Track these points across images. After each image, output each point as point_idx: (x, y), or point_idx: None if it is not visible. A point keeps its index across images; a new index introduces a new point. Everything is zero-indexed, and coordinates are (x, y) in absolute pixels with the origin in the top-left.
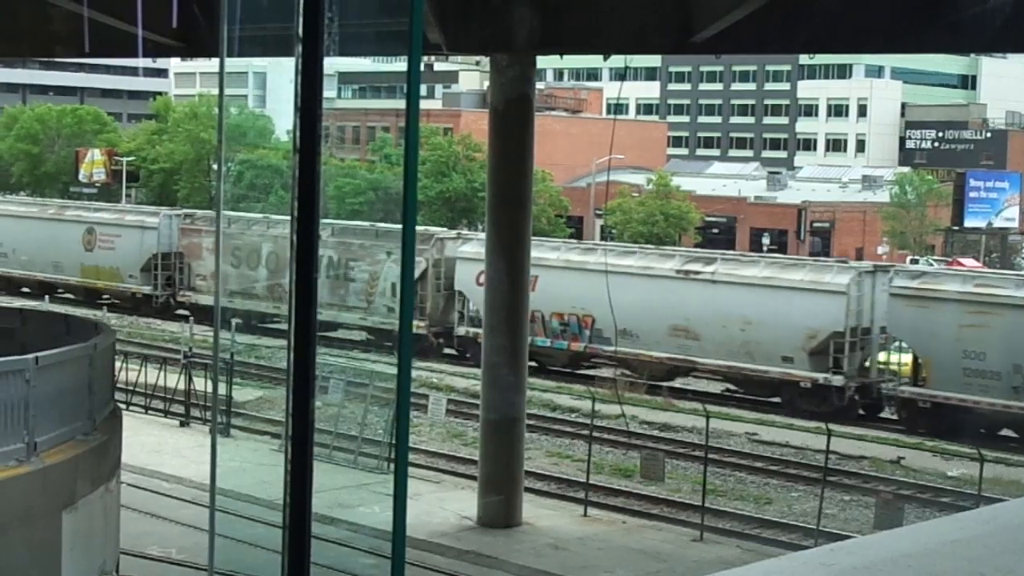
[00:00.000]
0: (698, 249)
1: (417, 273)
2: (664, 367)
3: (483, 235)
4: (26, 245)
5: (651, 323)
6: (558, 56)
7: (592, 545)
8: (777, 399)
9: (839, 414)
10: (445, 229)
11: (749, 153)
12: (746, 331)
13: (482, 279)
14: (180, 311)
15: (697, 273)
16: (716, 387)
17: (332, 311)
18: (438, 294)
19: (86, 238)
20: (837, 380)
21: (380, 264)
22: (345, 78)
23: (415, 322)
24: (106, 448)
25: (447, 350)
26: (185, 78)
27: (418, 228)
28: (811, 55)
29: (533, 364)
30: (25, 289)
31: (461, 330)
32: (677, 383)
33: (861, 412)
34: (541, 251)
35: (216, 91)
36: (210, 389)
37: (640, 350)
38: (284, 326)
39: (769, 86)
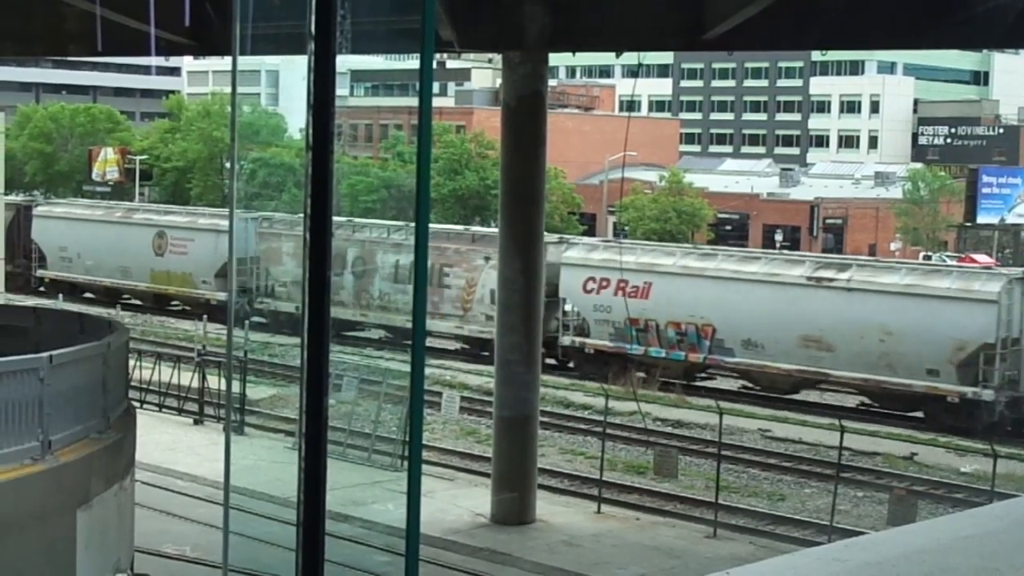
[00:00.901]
0: (827, 255)
1: None
2: (792, 379)
3: (588, 240)
4: (92, 249)
5: (779, 333)
6: (570, 53)
7: (606, 542)
8: (917, 414)
9: (987, 431)
10: (545, 233)
11: (761, 150)
12: (886, 342)
13: (589, 286)
14: (256, 318)
15: (830, 280)
16: (729, 383)
17: (402, 316)
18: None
19: (156, 242)
20: (987, 394)
21: (478, 270)
22: (357, 76)
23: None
24: (120, 446)
25: (547, 360)
26: (198, 76)
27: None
28: (823, 51)
29: (642, 375)
30: (89, 295)
31: (565, 339)
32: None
33: (1009, 428)
34: (655, 256)
35: (229, 89)
36: (224, 387)
37: (766, 361)
38: (374, 335)
39: (781, 82)
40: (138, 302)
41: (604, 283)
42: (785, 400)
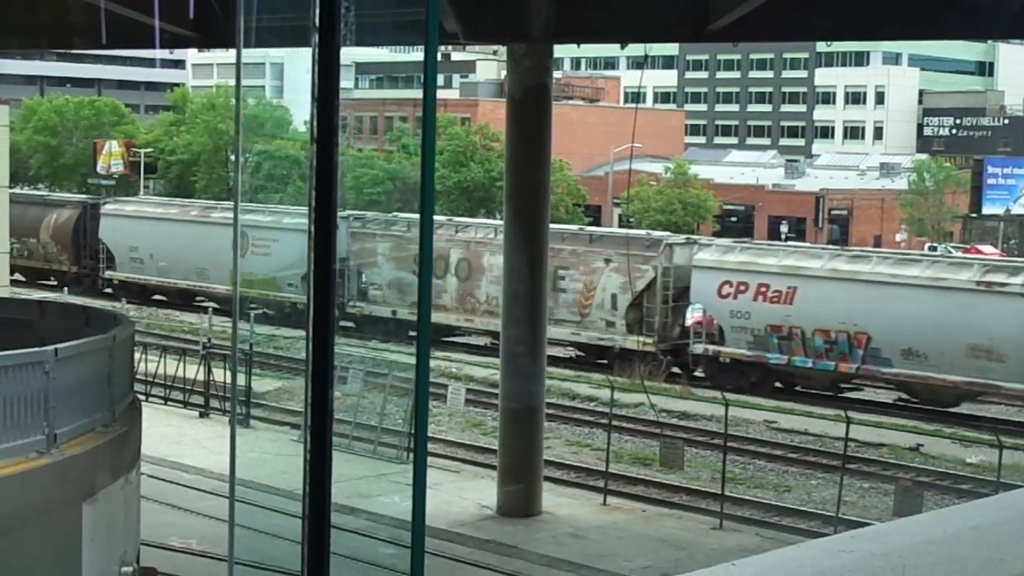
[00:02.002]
0: (997, 256)
1: (643, 284)
2: (957, 392)
3: (721, 241)
4: (165, 250)
5: (944, 342)
6: (575, 45)
7: (612, 534)
8: None
9: None
10: (670, 233)
11: (767, 141)
12: None
13: (725, 290)
14: (344, 323)
15: (1002, 284)
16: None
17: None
18: (666, 306)
19: (240, 242)
20: None
21: (597, 273)
22: (362, 68)
23: (641, 339)
24: (126, 439)
25: (675, 369)
26: (202, 69)
27: (641, 233)
28: (828, 43)
29: (778, 385)
30: (159, 297)
31: (697, 347)
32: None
33: None
34: (799, 259)
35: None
36: (230, 380)
37: (929, 372)
38: (479, 341)
39: (787, 74)
40: (214, 305)
41: (742, 287)
42: (788, 394)
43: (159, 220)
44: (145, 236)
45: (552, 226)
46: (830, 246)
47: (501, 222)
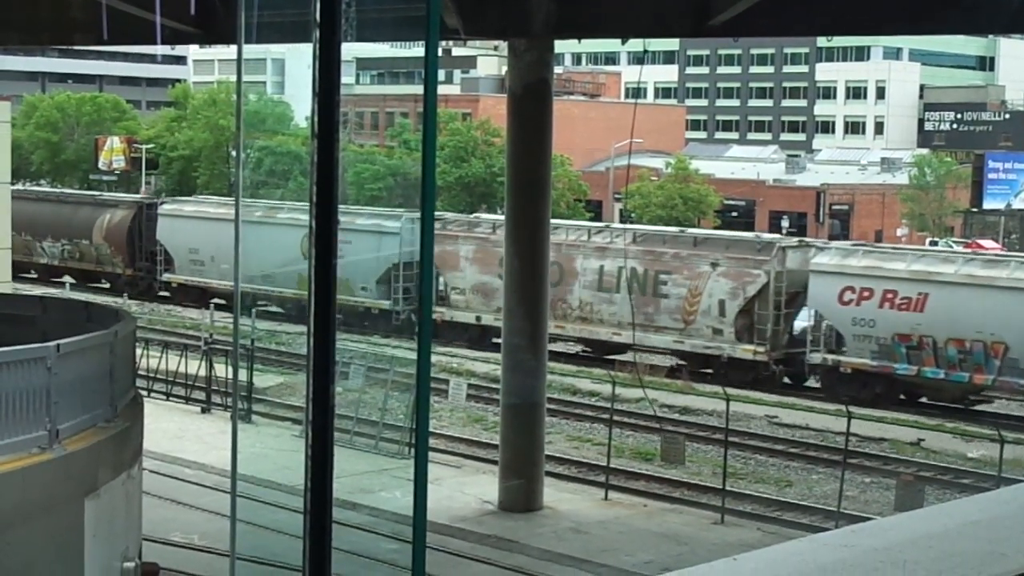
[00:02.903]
0: (1001, 251)
1: (754, 289)
2: None
3: (839, 244)
4: (228, 252)
5: None
6: (576, 40)
7: (613, 529)
8: None
9: None
10: (781, 236)
11: (768, 136)
12: None
13: (847, 296)
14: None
15: None
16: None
17: (636, 332)
18: (778, 313)
19: (305, 244)
20: None
21: (702, 277)
22: (363, 64)
23: (752, 347)
24: (128, 435)
25: (784, 379)
26: (204, 65)
27: (749, 235)
28: (829, 38)
29: (902, 397)
30: (219, 301)
31: (816, 356)
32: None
33: None
34: (930, 263)
35: (234, 78)
36: (231, 375)
37: None
38: (569, 348)
39: (787, 69)
40: (278, 310)
41: (866, 293)
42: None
43: (221, 221)
44: (206, 237)
45: (650, 228)
46: (961, 251)
47: (594, 224)
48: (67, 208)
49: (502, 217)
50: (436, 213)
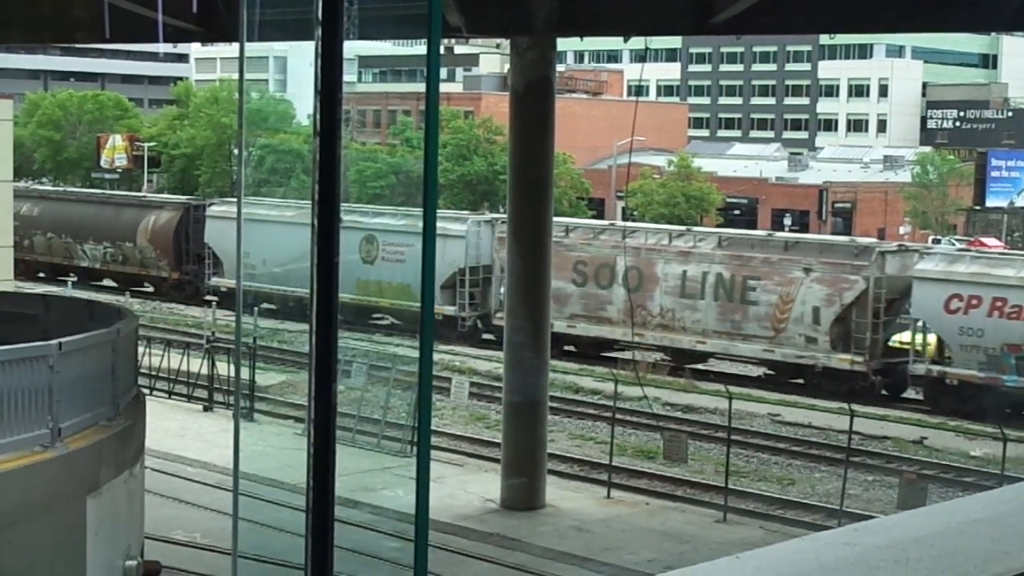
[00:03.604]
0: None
1: (852, 296)
2: None
3: (943, 249)
4: (280, 256)
5: None
6: (578, 38)
7: (615, 527)
8: None
9: None
10: (877, 240)
11: (770, 134)
12: None
13: (953, 304)
14: (487, 335)
15: None
16: (738, 368)
17: (720, 341)
18: (877, 321)
19: (365, 248)
20: None
21: (794, 283)
22: (365, 62)
23: (849, 357)
24: (130, 433)
25: (883, 391)
26: (206, 63)
27: (843, 240)
28: (832, 35)
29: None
30: (270, 306)
31: (919, 368)
32: (700, 366)
33: None
34: (995, 267)
35: (236, 76)
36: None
37: None
38: (648, 357)
39: (790, 67)
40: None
41: (974, 301)
42: (795, 386)
43: (274, 223)
44: (257, 240)
45: (736, 232)
46: None
47: (675, 227)
48: (110, 209)
49: (574, 220)
50: (499, 216)
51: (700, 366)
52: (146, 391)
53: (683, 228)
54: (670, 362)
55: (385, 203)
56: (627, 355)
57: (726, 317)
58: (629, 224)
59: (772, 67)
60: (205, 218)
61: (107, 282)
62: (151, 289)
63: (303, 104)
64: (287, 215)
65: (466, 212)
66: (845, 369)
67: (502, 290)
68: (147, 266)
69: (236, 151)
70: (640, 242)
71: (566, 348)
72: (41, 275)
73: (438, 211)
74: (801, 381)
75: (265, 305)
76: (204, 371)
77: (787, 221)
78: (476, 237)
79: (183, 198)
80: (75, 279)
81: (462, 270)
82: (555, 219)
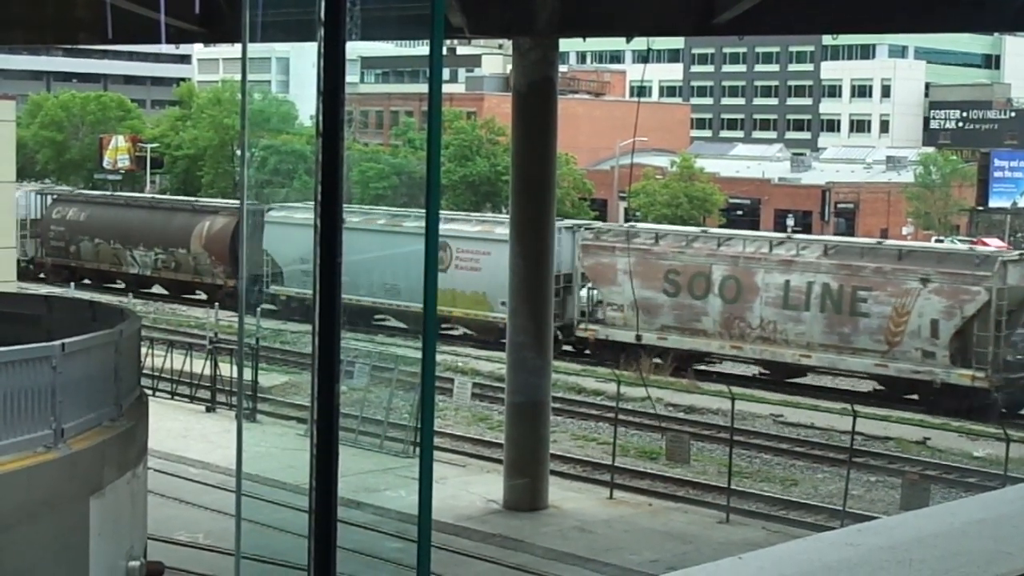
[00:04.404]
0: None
1: (973, 308)
2: None
3: None
4: (346, 263)
5: None
6: (581, 39)
7: (618, 527)
8: None
9: None
10: (996, 248)
11: (773, 134)
12: None
13: None
14: (566, 347)
15: None
16: (740, 368)
17: (827, 355)
18: (999, 334)
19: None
20: None
21: (910, 294)
22: (368, 62)
23: (968, 372)
24: (133, 434)
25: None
26: (208, 64)
27: (962, 248)
28: (835, 36)
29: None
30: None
31: None
32: (702, 366)
33: None
34: None
35: (239, 77)
36: (235, 375)
37: None
38: (746, 371)
39: (792, 67)
40: (400, 324)
41: None
42: (797, 385)
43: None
44: (311, 246)
45: (844, 239)
46: None
47: (775, 235)
48: (161, 214)
49: (665, 227)
50: (587, 222)
51: (701, 366)
52: (149, 392)
53: (783, 235)
54: (768, 376)
55: (388, 203)
56: (721, 368)
57: (833, 330)
58: (724, 231)
59: (775, 67)
60: (263, 224)
61: (157, 289)
62: (204, 297)
63: (305, 105)
64: (353, 221)
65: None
66: (965, 385)
67: (583, 298)
68: (201, 273)
69: (239, 152)
70: (737, 250)
71: (656, 361)
72: (86, 282)
73: (498, 215)
74: (915, 397)
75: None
76: (207, 372)
77: (790, 222)
78: (558, 244)
79: (238, 203)
80: (123, 285)
81: None
82: (643, 226)
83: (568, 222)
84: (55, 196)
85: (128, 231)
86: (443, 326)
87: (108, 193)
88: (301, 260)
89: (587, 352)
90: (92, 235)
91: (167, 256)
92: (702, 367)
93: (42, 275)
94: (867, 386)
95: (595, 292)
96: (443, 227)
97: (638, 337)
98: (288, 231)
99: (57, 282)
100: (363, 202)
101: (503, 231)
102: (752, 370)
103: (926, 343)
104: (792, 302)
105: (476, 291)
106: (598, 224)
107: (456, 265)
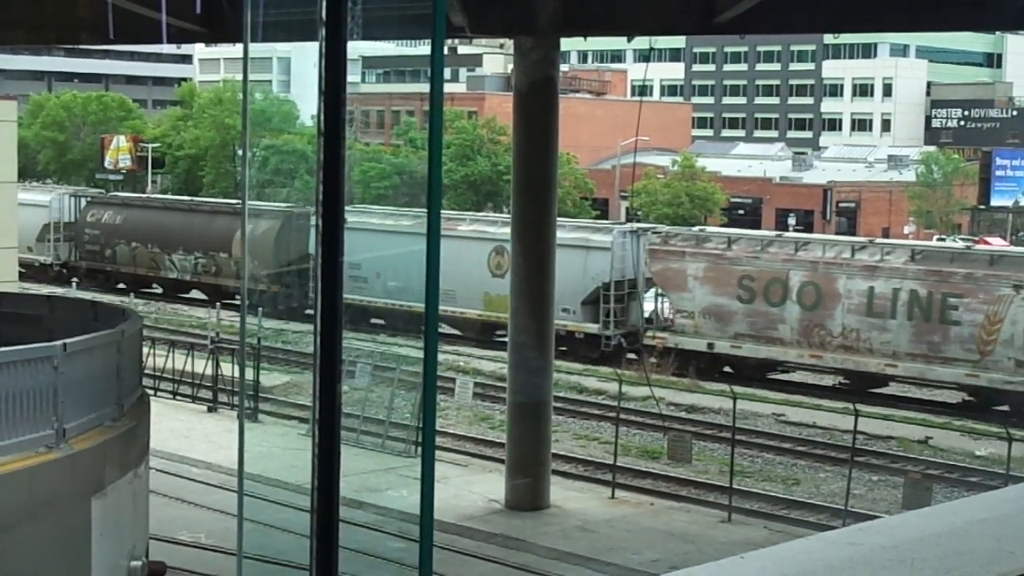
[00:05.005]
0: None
1: None
2: None
3: None
4: (396, 268)
5: None
6: (582, 38)
7: (620, 527)
8: None
9: None
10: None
11: (774, 134)
12: None
13: None
14: (631, 355)
15: None
16: (814, 377)
17: (915, 364)
18: None
19: (494, 260)
20: None
21: (1003, 302)
22: (369, 62)
23: None
24: (134, 434)
25: None
26: (210, 64)
27: None
28: (836, 34)
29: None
30: (377, 321)
31: None
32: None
33: None
34: None
35: (240, 76)
36: (238, 374)
37: None
38: (824, 380)
39: (794, 66)
40: (454, 331)
41: None
42: (798, 385)
43: (389, 233)
44: (371, 251)
45: (931, 244)
46: None
47: (855, 239)
48: (201, 217)
49: (737, 231)
50: (653, 225)
51: (774, 375)
52: (151, 392)
53: (865, 240)
54: (849, 386)
55: (391, 203)
56: (798, 378)
57: (922, 338)
58: (801, 236)
59: (776, 67)
60: (309, 227)
61: (195, 294)
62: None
63: (307, 105)
64: (404, 224)
65: (608, 221)
66: None
67: (647, 305)
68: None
69: (240, 152)
70: (817, 255)
71: (726, 370)
72: (121, 286)
73: (578, 220)
74: (1006, 408)
75: (375, 321)
76: (209, 371)
77: (791, 221)
78: (622, 249)
79: (283, 206)
80: (160, 290)
81: (606, 284)
82: (714, 230)
83: (630, 226)
84: (89, 199)
85: (166, 234)
86: (497, 332)
87: (145, 195)
88: (350, 266)
89: (654, 361)
90: (128, 239)
91: (207, 260)
92: (775, 376)
93: (75, 279)
94: (954, 396)
95: (663, 298)
96: (502, 231)
97: (710, 345)
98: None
99: (91, 287)
100: (364, 202)
101: (568, 235)
102: (828, 380)
103: (1019, 352)
104: (877, 309)
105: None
106: (665, 228)
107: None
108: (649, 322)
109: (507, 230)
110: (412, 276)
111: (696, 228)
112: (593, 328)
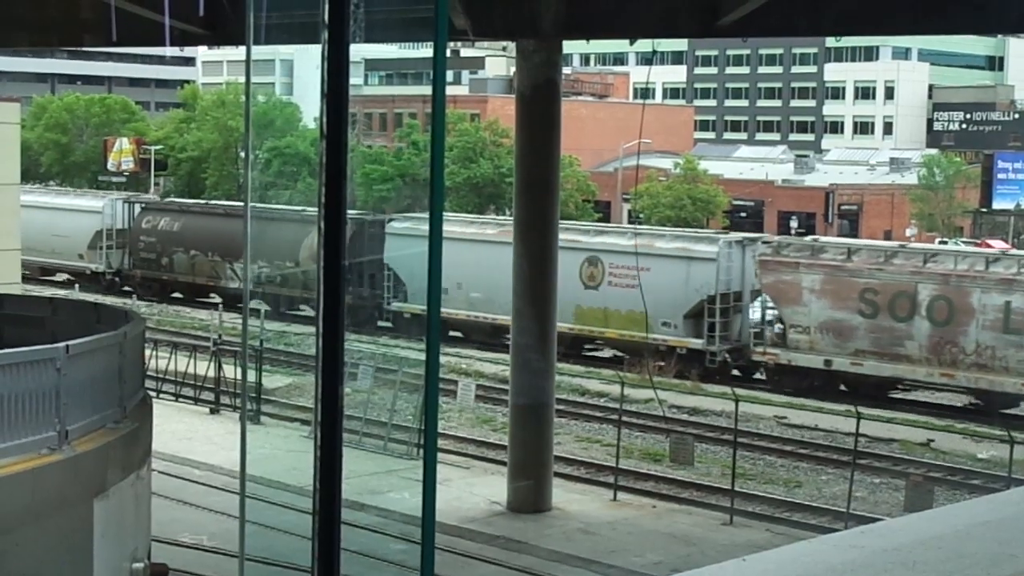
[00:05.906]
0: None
1: None
2: None
3: None
4: (480, 278)
5: None
6: (584, 41)
7: (622, 529)
8: None
9: None
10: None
11: (776, 136)
12: None
13: None
14: (735, 371)
15: None
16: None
17: (1013, 379)
18: None
19: (587, 271)
20: None
21: None
22: (371, 65)
23: None
24: (137, 436)
25: None
26: (212, 66)
27: None
28: (838, 37)
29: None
30: (455, 333)
31: None
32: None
33: None
34: None
35: (243, 79)
36: (240, 376)
37: None
38: (954, 400)
39: (796, 69)
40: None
41: None
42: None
43: (471, 242)
44: (450, 262)
45: (1001, 246)
46: None
47: (989, 251)
48: (259, 225)
49: (857, 241)
50: (766, 236)
51: (897, 394)
52: (153, 394)
53: (999, 251)
54: (981, 407)
55: (392, 205)
56: (918, 396)
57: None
58: (930, 247)
59: (778, 69)
60: (383, 235)
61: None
62: (311, 314)
63: (310, 107)
64: (487, 233)
65: (711, 230)
66: None
67: (754, 318)
68: (310, 288)
69: (243, 154)
70: (948, 268)
71: (842, 389)
72: (177, 295)
73: (679, 230)
74: None
75: (453, 333)
76: (211, 373)
77: (793, 223)
78: (727, 260)
79: (354, 212)
80: (219, 300)
81: (711, 297)
82: (828, 240)
83: (735, 235)
84: (144, 204)
85: (228, 243)
86: (586, 346)
87: (204, 202)
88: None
89: (760, 378)
90: (187, 247)
91: (271, 269)
92: (897, 395)
93: (128, 287)
94: (959, 400)
95: (775, 312)
96: (595, 240)
97: (827, 362)
98: (417, 244)
99: (147, 296)
100: (366, 203)
101: (666, 244)
102: (958, 399)
103: None
104: (1015, 325)
105: (632, 310)
106: (776, 238)
107: (611, 281)
108: (758, 337)
109: (602, 239)
110: (498, 287)
111: (809, 238)
112: (697, 343)
